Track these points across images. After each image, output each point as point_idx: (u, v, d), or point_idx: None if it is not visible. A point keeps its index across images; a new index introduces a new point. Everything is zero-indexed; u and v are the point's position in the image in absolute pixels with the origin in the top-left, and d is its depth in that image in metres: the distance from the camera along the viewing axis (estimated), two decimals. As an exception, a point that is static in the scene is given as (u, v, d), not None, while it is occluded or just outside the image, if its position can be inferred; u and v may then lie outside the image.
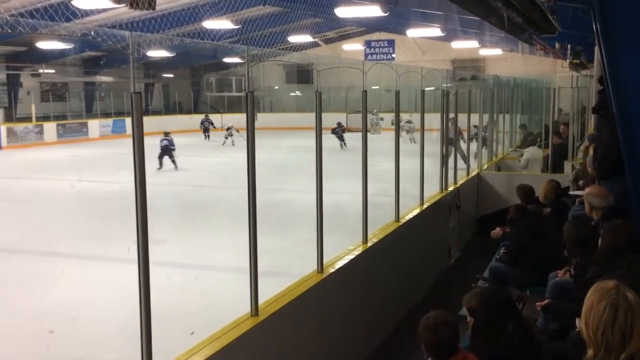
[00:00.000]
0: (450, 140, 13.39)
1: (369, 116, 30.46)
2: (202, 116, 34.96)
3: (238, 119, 31.95)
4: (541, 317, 4.89)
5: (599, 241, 4.47)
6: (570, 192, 8.09)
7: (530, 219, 6.57)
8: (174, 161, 18.83)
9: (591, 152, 8.28)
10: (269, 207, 10.57)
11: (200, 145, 27.33)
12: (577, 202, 7.28)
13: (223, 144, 25.98)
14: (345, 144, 23.80)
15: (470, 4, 6.41)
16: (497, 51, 26.20)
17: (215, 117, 37.03)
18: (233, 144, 25.30)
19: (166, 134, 19.39)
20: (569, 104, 15.81)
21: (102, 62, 31.59)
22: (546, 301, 4.69)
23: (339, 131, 24.77)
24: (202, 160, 21.78)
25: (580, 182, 8.06)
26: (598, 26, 5.01)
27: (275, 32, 23.49)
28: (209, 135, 29.97)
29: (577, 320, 3.75)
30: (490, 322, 3.49)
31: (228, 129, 26.52)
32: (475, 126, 13.75)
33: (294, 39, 23.81)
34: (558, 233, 5.31)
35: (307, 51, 27.15)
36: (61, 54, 27.53)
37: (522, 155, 14.55)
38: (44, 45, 23.32)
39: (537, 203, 7.06)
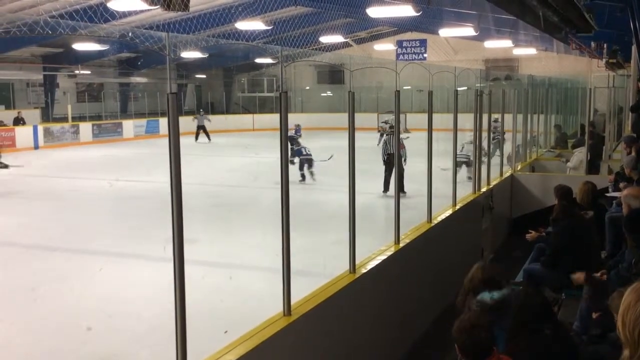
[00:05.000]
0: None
1: (389, 116, 30.76)
2: (236, 116, 35.23)
3: (269, 119, 32.20)
4: (577, 320, 4.81)
5: None
6: (608, 194, 7.95)
7: (574, 221, 6.42)
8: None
9: (633, 153, 8.14)
10: (300, 207, 10.62)
11: (233, 145, 27.55)
12: (614, 203, 7.14)
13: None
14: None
15: (505, 3, 6.35)
16: (531, 51, 25.85)
17: (246, 117, 37.37)
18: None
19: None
20: (605, 104, 15.57)
21: (139, 63, 32.04)
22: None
23: None
24: (235, 160, 21.96)
25: (621, 185, 7.91)
26: (636, 25, 4.92)
27: (307, 32, 23.55)
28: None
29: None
30: (527, 325, 3.45)
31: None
32: (495, 120, 12.93)
33: (326, 39, 23.83)
34: (596, 236, 5.22)
35: (338, 51, 27.16)
36: (98, 55, 28.01)
37: (562, 157, 14.32)
38: (80, 46, 23.76)
39: (575, 204, 6.94)
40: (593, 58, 22.08)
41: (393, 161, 12.89)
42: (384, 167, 13.90)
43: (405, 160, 13.32)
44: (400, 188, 13.33)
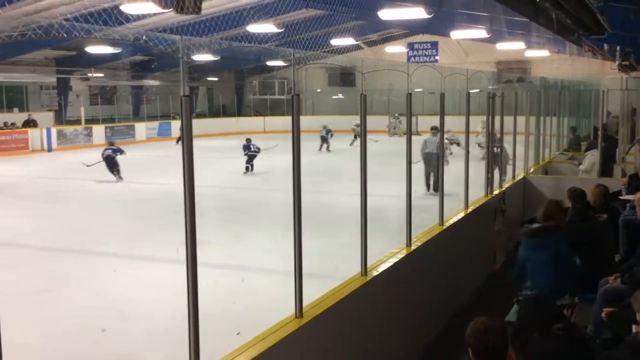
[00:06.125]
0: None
1: (390, 119, 30.99)
2: (247, 119, 35.19)
3: (281, 122, 32.25)
4: (591, 324, 4.78)
5: None
6: (622, 197, 7.89)
7: (589, 225, 6.37)
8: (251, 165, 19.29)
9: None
10: (312, 209, 10.63)
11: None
12: (628, 206, 7.09)
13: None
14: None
15: (518, 5, 6.32)
16: (543, 53, 25.74)
17: (258, 120, 37.47)
18: (119, 175, 17.49)
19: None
20: (618, 107, 15.46)
21: (153, 66, 32.19)
22: (611, 309, 4.54)
23: None
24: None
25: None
26: (651, 27, 4.88)
27: (318, 35, 23.57)
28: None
29: (633, 327, 3.66)
30: (537, 328, 3.43)
31: (110, 145, 18.45)
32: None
33: (337, 41, 23.85)
34: (610, 239, 5.20)
35: (350, 54, 27.12)
36: (111, 57, 28.16)
37: (574, 159, 14.23)
38: (93, 49, 23.92)
39: (589, 207, 6.89)
40: (606, 60, 21.96)
41: (431, 161, 13.72)
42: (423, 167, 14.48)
43: (447, 161, 13.60)
44: (435, 187, 13.79)
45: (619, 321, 4.36)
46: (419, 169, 14.39)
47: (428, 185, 14.26)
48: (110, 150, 17.89)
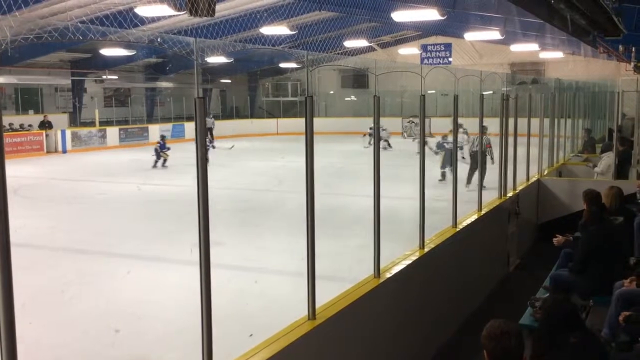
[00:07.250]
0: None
1: (404, 122, 30.99)
2: (261, 121, 35.28)
3: (293, 123, 32.28)
4: (606, 327, 4.75)
5: None
6: (638, 200, 7.84)
7: (604, 227, 6.31)
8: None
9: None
10: (325, 211, 10.62)
11: (258, 149, 27.64)
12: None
13: (154, 166, 21.43)
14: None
15: (533, 6, 6.29)
16: (558, 54, 25.59)
17: (270, 122, 37.56)
18: (164, 165, 21.56)
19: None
20: (633, 108, 15.32)
21: (168, 68, 32.37)
22: (628, 313, 4.50)
23: None
24: (260, 164, 22.05)
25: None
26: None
27: (331, 37, 23.58)
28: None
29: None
30: (555, 332, 3.40)
31: (161, 140, 22.35)
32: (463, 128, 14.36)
33: (350, 43, 23.85)
34: (625, 242, 5.16)
35: (363, 55, 27.06)
36: (126, 60, 28.31)
37: (589, 162, 14.13)
38: (107, 52, 24.07)
39: (605, 209, 6.83)
40: (621, 62, 21.79)
41: (477, 158, 13.84)
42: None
43: (492, 159, 14.10)
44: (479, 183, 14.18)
45: (634, 324, 4.33)
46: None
47: (469, 180, 14.81)
48: (159, 145, 21.85)
